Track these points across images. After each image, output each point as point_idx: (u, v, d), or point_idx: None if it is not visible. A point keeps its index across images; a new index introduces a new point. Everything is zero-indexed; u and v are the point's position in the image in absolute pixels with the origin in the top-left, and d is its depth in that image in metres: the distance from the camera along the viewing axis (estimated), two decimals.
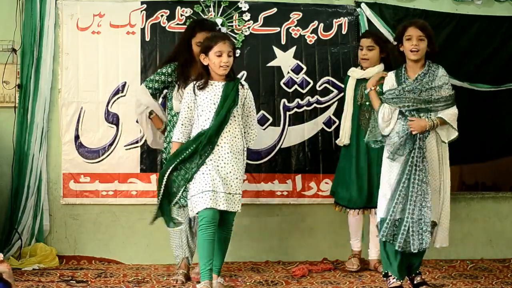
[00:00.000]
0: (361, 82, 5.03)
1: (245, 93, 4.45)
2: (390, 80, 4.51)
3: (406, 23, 4.55)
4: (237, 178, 4.34)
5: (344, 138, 5.11)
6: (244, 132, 4.47)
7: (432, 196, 4.33)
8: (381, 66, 5.02)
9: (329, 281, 4.86)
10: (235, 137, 4.36)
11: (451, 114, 4.39)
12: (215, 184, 4.25)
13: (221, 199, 4.25)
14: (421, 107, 4.37)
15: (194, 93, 4.39)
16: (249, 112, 4.49)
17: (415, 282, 4.53)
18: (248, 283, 4.77)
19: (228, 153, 4.32)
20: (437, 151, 4.43)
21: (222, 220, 4.33)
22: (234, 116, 4.37)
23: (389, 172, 4.41)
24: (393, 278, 4.43)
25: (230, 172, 4.32)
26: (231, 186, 4.31)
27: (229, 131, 4.34)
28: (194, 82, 4.44)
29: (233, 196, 4.32)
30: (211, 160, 4.30)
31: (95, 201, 5.47)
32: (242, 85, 4.46)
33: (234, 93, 4.36)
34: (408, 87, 4.38)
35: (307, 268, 5.16)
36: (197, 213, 4.29)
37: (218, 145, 4.32)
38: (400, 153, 4.33)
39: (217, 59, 4.33)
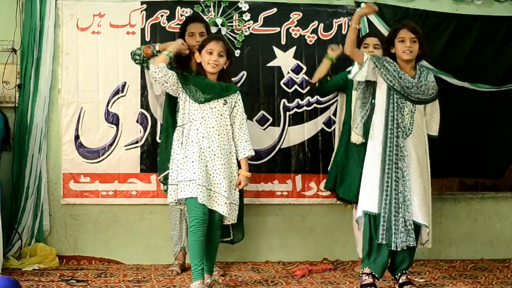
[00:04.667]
0: None
1: (235, 97, 4.48)
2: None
3: (397, 26, 4.61)
4: (224, 179, 4.34)
5: (360, 133, 4.78)
6: (236, 145, 4.46)
7: (420, 196, 4.35)
8: None
9: (329, 281, 4.86)
10: (222, 137, 4.39)
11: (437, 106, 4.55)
12: (201, 177, 4.26)
13: (205, 193, 4.26)
14: (405, 95, 4.39)
15: None
16: (236, 118, 4.47)
17: (400, 281, 4.51)
18: (248, 283, 4.77)
19: (216, 153, 4.35)
20: (423, 150, 4.46)
21: (208, 220, 4.33)
22: (222, 115, 4.40)
23: (371, 169, 4.42)
24: (366, 275, 4.44)
25: (218, 172, 4.34)
26: (217, 185, 4.32)
27: (216, 130, 4.37)
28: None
29: (218, 195, 4.31)
30: (199, 157, 4.31)
31: (95, 201, 5.47)
32: (236, 91, 4.52)
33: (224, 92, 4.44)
34: (408, 79, 4.40)
35: (307, 268, 5.16)
36: (181, 200, 4.34)
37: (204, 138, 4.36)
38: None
39: (207, 56, 4.40)
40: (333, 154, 5.23)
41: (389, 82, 4.39)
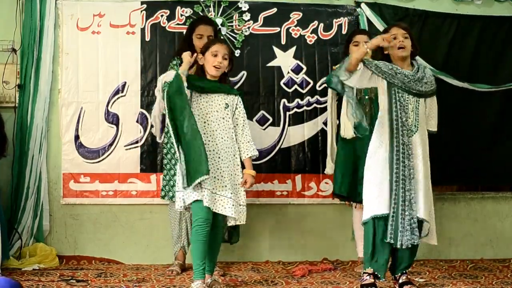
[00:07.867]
0: None
1: (236, 100, 4.48)
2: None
3: (386, 27, 4.67)
4: (229, 181, 4.34)
5: (349, 131, 4.89)
6: (240, 146, 4.47)
7: (425, 193, 4.37)
8: None
9: (329, 281, 4.86)
10: (225, 140, 4.40)
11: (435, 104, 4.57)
12: (206, 181, 4.25)
13: (211, 197, 4.27)
14: (406, 89, 4.40)
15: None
16: (238, 120, 4.48)
17: (400, 281, 4.51)
18: (248, 283, 4.77)
19: (221, 156, 4.36)
20: (426, 148, 4.47)
21: (212, 221, 4.34)
22: (224, 118, 4.41)
23: (377, 171, 4.41)
24: (367, 275, 4.44)
25: (222, 175, 4.34)
26: (222, 188, 4.33)
27: (219, 133, 4.39)
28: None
29: (224, 198, 4.31)
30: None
31: (95, 201, 5.47)
32: (236, 94, 4.52)
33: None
34: (405, 72, 4.40)
35: (307, 268, 5.16)
36: (188, 205, 4.32)
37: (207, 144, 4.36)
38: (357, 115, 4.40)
39: (212, 58, 4.40)
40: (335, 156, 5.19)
41: (388, 80, 4.38)
